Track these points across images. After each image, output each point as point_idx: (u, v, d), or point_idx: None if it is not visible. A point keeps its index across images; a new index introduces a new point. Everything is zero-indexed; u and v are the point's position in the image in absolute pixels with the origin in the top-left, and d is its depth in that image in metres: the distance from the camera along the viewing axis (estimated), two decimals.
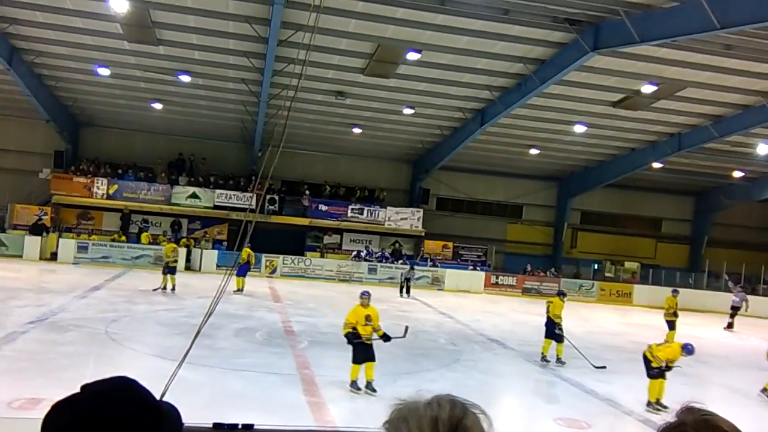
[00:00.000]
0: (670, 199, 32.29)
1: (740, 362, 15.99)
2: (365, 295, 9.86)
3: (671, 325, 17.20)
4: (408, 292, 23.49)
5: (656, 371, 9.88)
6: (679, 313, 18.01)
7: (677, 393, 10.55)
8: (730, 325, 20.88)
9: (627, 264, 30.73)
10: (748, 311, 21.93)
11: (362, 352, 9.26)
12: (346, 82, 20.35)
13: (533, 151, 26.73)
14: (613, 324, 20.90)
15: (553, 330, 13.03)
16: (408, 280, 23.89)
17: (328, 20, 14.88)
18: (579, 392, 10.86)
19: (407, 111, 22.50)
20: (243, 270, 19.73)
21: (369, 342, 9.36)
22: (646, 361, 9.97)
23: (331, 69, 19.13)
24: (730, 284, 22.60)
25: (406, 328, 10.05)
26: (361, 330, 9.36)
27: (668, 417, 1.14)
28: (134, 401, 1.08)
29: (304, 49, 15.18)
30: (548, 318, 13.25)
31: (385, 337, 9.54)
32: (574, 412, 9.43)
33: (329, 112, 23.45)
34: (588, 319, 21.85)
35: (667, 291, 27.37)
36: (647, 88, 18.55)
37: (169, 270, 18.65)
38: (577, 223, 32.22)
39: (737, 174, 27.69)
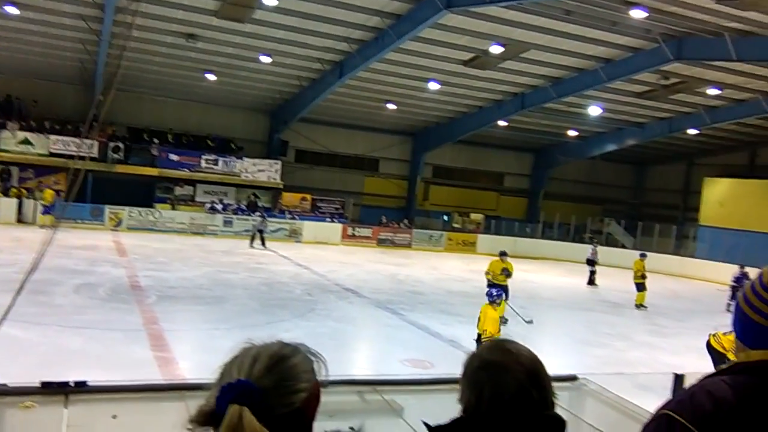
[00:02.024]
0: (512, 155, 34.59)
1: (568, 303, 17.80)
2: None
3: (640, 287, 17.44)
4: (263, 243, 23.31)
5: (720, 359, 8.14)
6: (647, 274, 17.60)
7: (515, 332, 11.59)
8: (591, 282, 21.63)
9: (473, 215, 32.70)
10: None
11: None
12: (198, 24, 19.26)
13: (390, 106, 27.23)
14: (459, 271, 22.25)
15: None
16: (261, 231, 23.67)
17: None
18: (425, 335, 11.55)
19: (264, 59, 21.83)
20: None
21: None
22: (712, 350, 8.22)
23: (180, 9, 18.00)
24: (593, 246, 23.09)
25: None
26: None
27: None
28: None
29: None
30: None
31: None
32: (419, 353, 10.05)
33: (180, 55, 22.14)
34: (436, 267, 23.13)
35: (508, 240, 29.74)
36: (495, 49, 19.48)
37: None
38: (429, 177, 33.58)
39: (571, 133, 30.20)
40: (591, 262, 21.96)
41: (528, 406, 1.27)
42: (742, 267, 17.65)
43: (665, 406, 1.22)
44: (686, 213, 32.63)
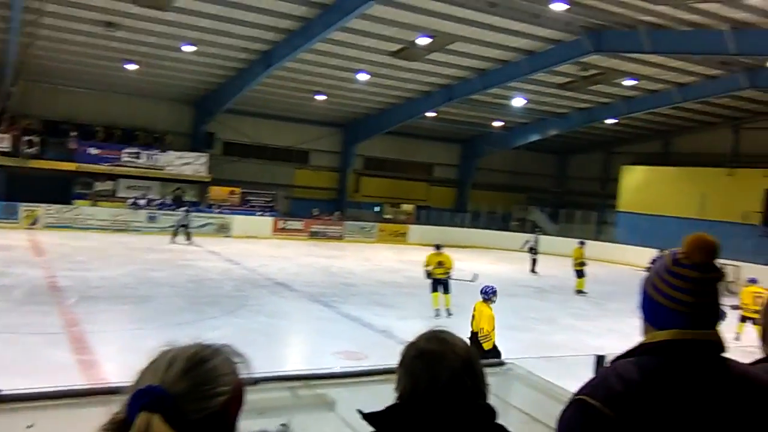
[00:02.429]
0: (441, 146, 35.09)
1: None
2: None
3: (579, 274, 18.21)
4: (188, 238, 22.76)
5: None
6: (588, 261, 18.55)
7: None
8: (533, 269, 22.33)
9: (404, 206, 33.01)
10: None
11: None
12: (117, 12, 18.43)
13: (319, 97, 27.01)
14: (391, 262, 22.45)
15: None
16: (185, 226, 23.10)
17: None
18: (358, 326, 11.60)
19: (188, 48, 21.16)
20: None
21: None
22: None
23: None
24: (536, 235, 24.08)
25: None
26: None
27: None
28: None
29: None
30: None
31: None
32: (352, 344, 10.08)
33: (98, 44, 21.13)
34: (369, 258, 23.23)
35: (438, 229, 30.19)
36: (422, 40, 19.66)
37: None
38: (360, 168, 33.60)
39: (497, 124, 30.92)
40: (533, 251, 22.67)
41: (462, 393, 1.31)
42: (661, 251, 18.63)
43: (580, 392, 1.28)
44: (605, 200, 34.11)
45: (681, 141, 31.45)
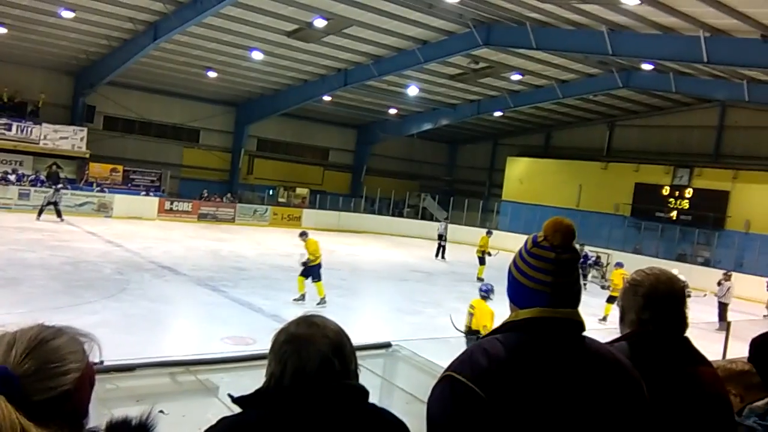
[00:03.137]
0: (337, 131, 35.05)
1: (388, 274, 18.62)
2: None
3: (481, 261, 19.24)
4: (59, 215, 21.69)
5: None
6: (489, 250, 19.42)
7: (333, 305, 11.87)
8: (442, 256, 23.40)
9: (298, 190, 32.67)
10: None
11: None
12: None
13: (211, 74, 26.02)
14: (285, 246, 22.15)
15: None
16: (56, 204, 21.81)
17: None
18: (247, 311, 11.43)
19: (66, 14, 19.61)
20: None
21: None
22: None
23: None
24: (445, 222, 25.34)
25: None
26: None
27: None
28: None
29: None
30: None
31: None
32: (241, 330, 9.92)
33: None
34: (260, 242, 22.88)
35: (333, 214, 30.27)
36: (319, 22, 19.44)
37: None
38: (254, 150, 32.85)
39: (392, 111, 31.32)
40: (441, 237, 23.37)
41: (330, 376, 1.33)
42: None
43: (448, 368, 1.36)
44: (492, 189, 35.57)
45: (561, 135, 33.37)
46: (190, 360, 2.89)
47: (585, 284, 17.40)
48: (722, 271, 16.92)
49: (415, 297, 14.91)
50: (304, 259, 12.66)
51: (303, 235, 13.34)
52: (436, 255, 23.58)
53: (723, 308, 15.29)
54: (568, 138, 32.92)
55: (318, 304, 12.26)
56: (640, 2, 14.32)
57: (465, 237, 26.35)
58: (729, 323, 9.84)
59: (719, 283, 15.86)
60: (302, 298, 12.52)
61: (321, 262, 12.87)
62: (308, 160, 34.67)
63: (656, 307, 1.76)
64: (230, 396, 1.34)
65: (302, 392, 1.31)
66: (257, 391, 1.34)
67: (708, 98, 25.37)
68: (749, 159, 25.21)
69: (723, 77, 20.58)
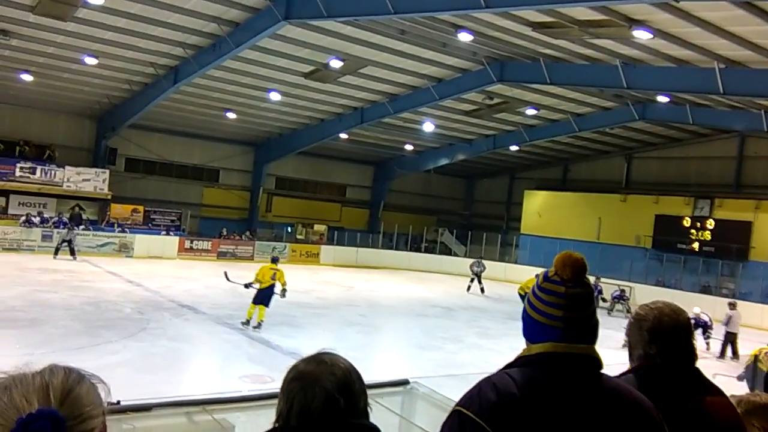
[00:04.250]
0: (354, 168, 35.35)
1: (407, 310, 18.48)
2: None
3: (523, 299, 18.98)
4: (72, 254, 22.35)
5: None
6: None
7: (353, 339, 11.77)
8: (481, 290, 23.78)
9: (316, 226, 32.84)
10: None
11: None
12: (12, 20, 17.40)
13: (231, 115, 26.55)
14: (303, 282, 22.14)
15: (271, 296, 12.99)
16: (69, 242, 22.43)
17: None
18: (266, 349, 11.39)
19: (90, 60, 20.24)
20: None
21: None
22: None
23: None
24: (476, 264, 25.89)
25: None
26: None
27: None
28: None
29: None
30: (270, 285, 13.10)
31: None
32: (260, 368, 9.88)
33: None
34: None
35: (351, 250, 30.26)
36: (335, 63, 19.83)
37: None
38: (272, 188, 33.21)
39: (408, 147, 31.56)
40: (478, 276, 24.00)
41: (335, 415, 1.32)
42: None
43: (458, 402, 1.35)
44: (509, 222, 35.42)
45: (579, 168, 33.29)
46: (207, 399, 2.88)
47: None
48: (727, 301, 16.47)
49: (435, 333, 14.75)
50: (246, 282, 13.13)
51: (275, 260, 14.01)
52: (468, 289, 23.70)
53: (731, 338, 14.88)
54: (586, 171, 32.83)
55: (254, 327, 12.77)
56: (652, 36, 14.41)
57: (488, 271, 25.97)
58: (756, 356, 9.57)
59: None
60: (252, 323, 12.93)
61: (273, 288, 13.14)
62: (326, 196, 34.93)
63: (662, 340, 1.75)
64: None
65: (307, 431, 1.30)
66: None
67: (726, 129, 25.22)
68: None
69: (740, 108, 20.48)
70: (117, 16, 16.98)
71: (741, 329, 15.36)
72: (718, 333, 15.07)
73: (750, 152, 26.39)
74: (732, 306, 15.48)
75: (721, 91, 16.14)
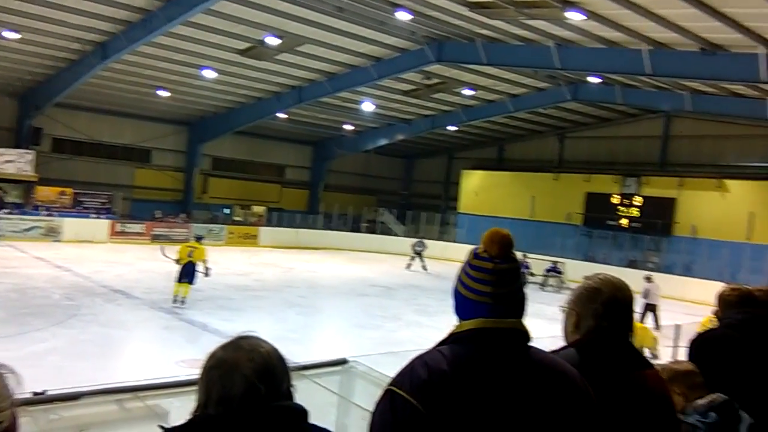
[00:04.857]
0: (293, 148, 34.90)
1: (347, 289, 18.54)
2: None
3: None
4: None
5: None
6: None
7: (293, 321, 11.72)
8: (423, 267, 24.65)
9: (255, 208, 32.33)
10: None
11: None
12: None
13: (163, 93, 25.63)
14: (241, 264, 21.91)
15: (193, 273, 13.32)
16: None
17: None
18: (204, 333, 11.21)
19: (10, 35, 19.07)
20: None
21: None
22: None
23: None
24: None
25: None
26: None
27: None
28: None
29: None
30: (190, 262, 13.35)
31: None
32: (197, 352, 9.67)
33: None
34: (216, 261, 22.31)
35: (290, 231, 30.00)
36: (271, 40, 19.41)
37: None
38: (208, 169, 32.39)
39: (347, 127, 31.38)
40: (419, 254, 24.89)
41: (255, 402, 1.28)
42: None
43: (390, 382, 1.36)
44: (448, 202, 35.89)
45: (514, 148, 33.98)
46: (139, 386, 2.80)
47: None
48: (643, 275, 17.14)
49: (374, 312, 14.87)
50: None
51: (198, 238, 14.67)
52: (408, 267, 24.41)
53: (651, 309, 15.65)
54: (521, 150, 33.55)
55: (180, 302, 13.15)
56: (585, 17, 14.76)
57: (427, 250, 26.39)
58: (679, 326, 10.14)
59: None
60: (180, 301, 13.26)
61: (193, 266, 13.52)
62: (264, 177, 34.39)
63: (616, 314, 1.79)
64: (161, 427, 1.30)
65: (227, 420, 1.26)
66: (187, 422, 1.29)
67: (653, 109, 26.26)
68: (693, 166, 26.16)
69: (666, 89, 21.35)
70: None
71: (664, 300, 16.16)
72: (636, 306, 15.74)
73: (675, 132, 27.59)
74: (648, 279, 16.23)
75: (649, 72, 16.77)
